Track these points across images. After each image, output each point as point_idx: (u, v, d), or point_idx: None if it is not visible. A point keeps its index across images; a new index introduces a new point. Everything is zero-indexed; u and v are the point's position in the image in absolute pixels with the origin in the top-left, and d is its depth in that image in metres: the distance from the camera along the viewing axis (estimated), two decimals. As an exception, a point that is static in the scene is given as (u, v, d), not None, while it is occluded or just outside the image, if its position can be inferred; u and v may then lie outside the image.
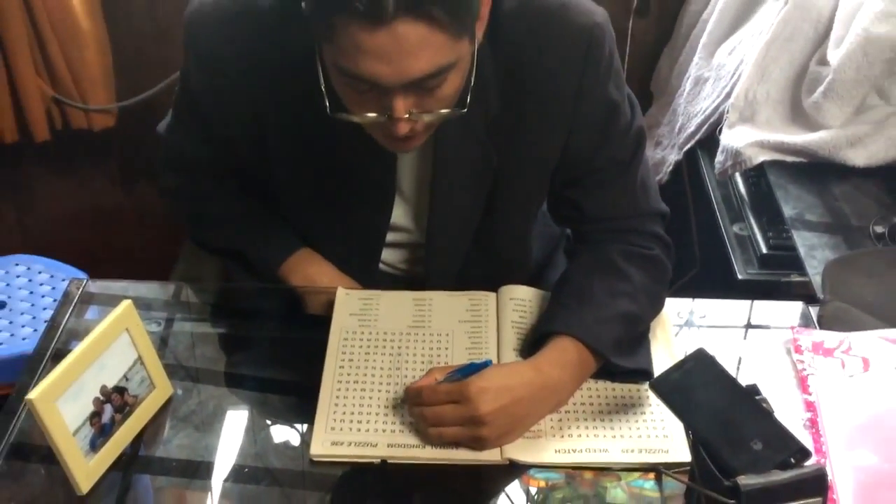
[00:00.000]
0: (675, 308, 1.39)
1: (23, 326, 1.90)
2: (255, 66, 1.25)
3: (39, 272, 2.04)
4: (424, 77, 1.07)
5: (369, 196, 1.36)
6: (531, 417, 1.18)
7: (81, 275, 1.94)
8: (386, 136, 1.17)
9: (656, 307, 1.33)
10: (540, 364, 1.20)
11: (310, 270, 1.42)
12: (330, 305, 1.35)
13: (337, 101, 1.15)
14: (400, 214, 1.39)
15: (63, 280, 1.98)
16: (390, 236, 1.42)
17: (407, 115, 1.10)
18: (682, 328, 1.38)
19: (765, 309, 1.43)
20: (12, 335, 1.88)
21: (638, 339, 1.28)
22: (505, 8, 1.21)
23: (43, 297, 1.98)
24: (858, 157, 1.71)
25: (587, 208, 1.36)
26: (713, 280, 1.83)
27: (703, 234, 1.95)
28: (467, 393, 1.13)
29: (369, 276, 1.44)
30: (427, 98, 1.11)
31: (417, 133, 1.16)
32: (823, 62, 1.77)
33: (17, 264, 2.06)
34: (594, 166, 1.32)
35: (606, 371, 1.25)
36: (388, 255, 1.46)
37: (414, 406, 1.17)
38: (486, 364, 1.18)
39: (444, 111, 1.14)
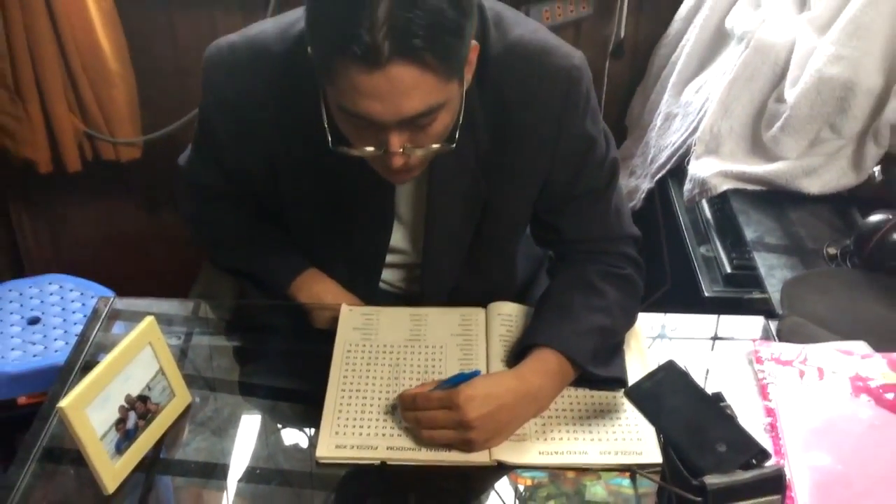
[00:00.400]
0: (648, 322, 1.39)
1: (55, 340, 1.89)
2: (267, 105, 1.25)
3: (71, 290, 2.03)
4: (417, 115, 1.07)
5: (371, 222, 1.36)
6: (515, 422, 1.18)
7: (109, 293, 1.93)
8: (384, 168, 1.17)
9: (629, 321, 1.33)
10: (523, 373, 1.20)
11: (316, 288, 1.41)
12: (334, 321, 1.35)
13: (339, 137, 1.16)
14: (398, 238, 1.39)
15: (92, 298, 1.98)
16: (389, 258, 1.42)
17: (401, 150, 1.11)
18: (655, 340, 1.38)
19: (729, 323, 1.43)
20: (45, 348, 1.87)
21: (613, 350, 1.27)
22: (492, 53, 1.22)
23: (74, 313, 1.97)
24: (813, 186, 1.71)
25: (566, 232, 1.36)
26: (682, 297, 1.82)
27: (673, 254, 1.95)
28: (457, 400, 1.13)
29: (371, 294, 1.44)
30: (420, 134, 1.12)
31: (412, 166, 1.16)
32: (781, 100, 1.77)
33: (50, 283, 2.05)
34: (573, 194, 1.32)
35: (584, 379, 1.24)
36: (388, 275, 1.46)
37: (408, 411, 1.17)
38: (475, 374, 1.18)
39: (435, 146, 1.14)
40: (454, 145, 1.16)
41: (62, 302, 2.00)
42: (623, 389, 1.12)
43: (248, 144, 1.30)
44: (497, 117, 1.25)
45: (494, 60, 1.22)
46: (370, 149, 1.12)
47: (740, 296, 1.67)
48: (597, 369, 1.23)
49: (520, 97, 1.24)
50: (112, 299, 1.43)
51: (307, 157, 1.26)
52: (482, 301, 1.39)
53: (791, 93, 1.73)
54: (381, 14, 1.00)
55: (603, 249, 1.35)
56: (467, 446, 1.15)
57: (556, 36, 1.28)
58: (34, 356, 1.85)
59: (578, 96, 1.25)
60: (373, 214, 1.35)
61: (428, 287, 1.42)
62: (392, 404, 1.21)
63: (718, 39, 2.01)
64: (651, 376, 1.11)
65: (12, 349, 1.86)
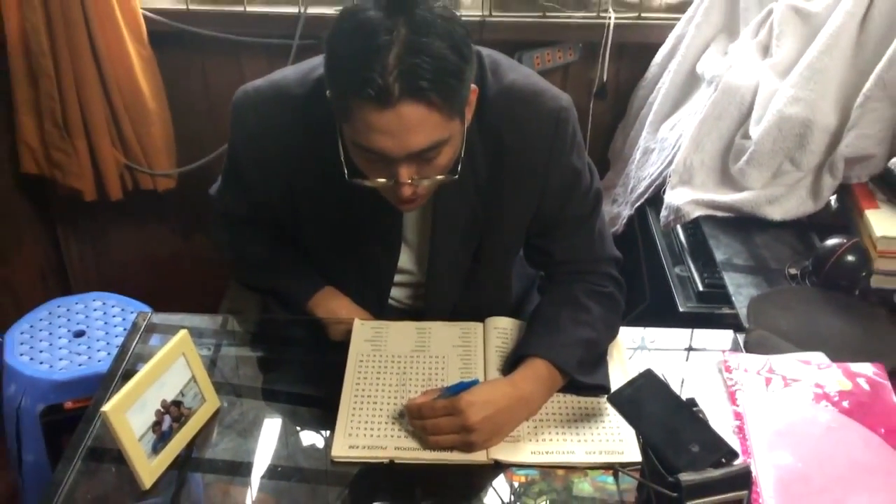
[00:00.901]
0: (629, 335, 1.40)
1: (98, 351, 1.89)
2: (289, 142, 1.26)
3: (112, 306, 2.03)
4: (423, 149, 1.09)
5: (380, 246, 1.37)
6: (511, 424, 1.18)
7: (147, 309, 1.93)
8: (394, 197, 1.18)
9: (612, 334, 1.33)
10: (516, 380, 1.21)
11: (332, 304, 1.42)
12: (348, 333, 1.35)
13: (354, 169, 1.16)
14: (405, 260, 1.39)
15: (132, 313, 1.97)
16: (397, 277, 1.42)
17: (409, 181, 1.12)
18: (636, 351, 1.38)
19: (702, 336, 1.43)
20: (89, 358, 1.87)
21: (597, 360, 1.28)
22: (489, 94, 1.23)
23: (115, 326, 1.97)
24: (776, 213, 1.70)
25: (555, 254, 1.37)
26: (660, 312, 1.81)
27: (651, 274, 1.95)
28: (459, 406, 1.13)
29: (380, 310, 1.44)
30: (426, 167, 1.12)
31: (419, 195, 1.17)
32: (746, 136, 1.76)
33: (94, 300, 2.04)
34: (561, 220, 1.33)
35: (571, 386, 1.25)
36: (396, 293, 1.46)
37: (415, 420, 1.17)
38: (474, 382, 1.18)
39: (440, 177, 1.15)
40: (456, 176, 1.17)
41: (105, 317, 2.00)
42: (606, 396, 1.12)
43: (272, 176, 1.31)
44: (494, 152, 1.26)
45: (491, 101, 1.23)
46: (382, 180, 1.13)
47: (712, 311, 1.66)
48: (582, 377, 1.23)
49: (514, 134, 1.25)
50: (150, 314, 1.43)
51: (324, 188, 1.26)
52: (481, 316, 1.39)
53: (755, 130, 1.73)
54: (392, 60, 1.01)
55: (588, 270, 1.36)
56: (469, 447, 1.15)
57: (546, 81, 1.30)
58: (79, 365, 1.85)
59: (566, 134, 1.26)
60: (382, 240, 1.36)
61: (432, 303, 1.42)
62: (400, 409, 1.21)
63: (690, 82, 2.00)
64: (631, 383, 1.10)
65: (60, 359, 1.86)
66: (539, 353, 1.23)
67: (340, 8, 2.12)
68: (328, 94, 1.11)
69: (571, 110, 1.28)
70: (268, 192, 1.34)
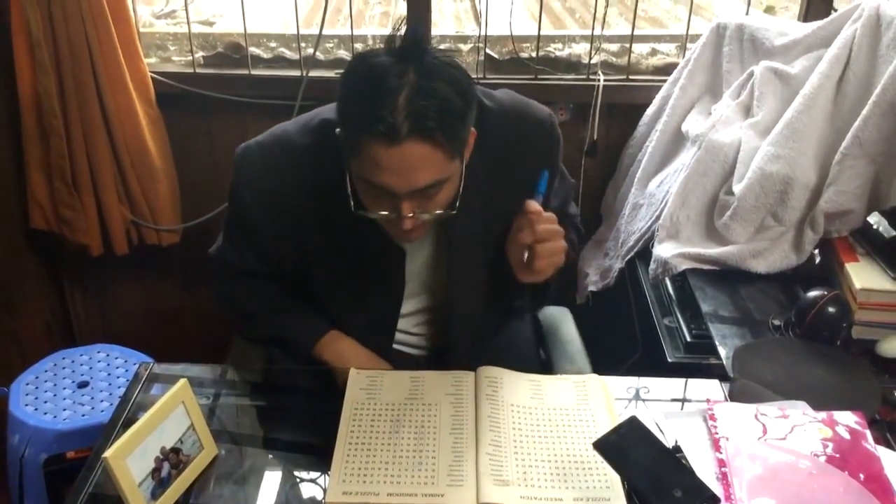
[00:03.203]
0: (624, 384, 1.41)
1: (101, 401, 1.91)
2: (295, 189, 1.31)
3: (116, 358, 2.05)
4: (425, 186, 1.15)
5: (384, 282, 1.41)
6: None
7: (149, 360, 1.94)
8: (396, 230, 1.24)
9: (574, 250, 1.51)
10: None
11: (338, 346, 1.44)
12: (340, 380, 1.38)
13: (359, 203, 1.22)
14: (419, 290, 1.44)
15: (135, 364, 1.99)
16: (415, 318, 1.46)
17: (411, 215, 1.17)
18: (630, 401, 1.39)
19: (688, 385, 1.44)
20: (92, 408, 1.89)
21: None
22: (484, 111, 1.31)
23: (118, 377, 1.99)
24: (759, 266, 1.73)
25: None
26: (650, 362, 1.83)
27: (641, 325, 1.97)
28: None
29: (386, 350, 1.46)
30: (427, 202, 1.19)
31: (419, 228, 1.22)
32: (729, 193, 1.80)
33: (98, 352, 2.07)
34: (549, 208, 1.39)
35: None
36: (403, 324, 1.49)
37: (534, 232, 1.27)
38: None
39: (439, 212, 1.21)
40: (454, 212, 1.23)
41: (108, 368, 2.02)
42: (592, 443, 1.14)
43: (279, 224, 1.35)
44: (496, 165, 1.34)
45: (491, 115, 1.32)
46: (384, 213, 1.20)
47: (699, 361, 1.67)
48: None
49: (514, 144, 1.35)
50: (151, 365, 1.45)
51: (330, 231, 1.31)
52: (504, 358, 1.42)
53: (738, 187, 1.76)
54: (402, 101, 1.09)
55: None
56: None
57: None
58: (82, 416, 1.86)
59: (557, 138, 1.40)
60: (386, 278, 1.40)
61: (453, 332, 1.46)
62: (392, 456, 1.22)
63: (676, 141, 2.05)
64: (616, 430, 1.12)
65: (64, 409, 1.88)
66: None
67: (335, 72, 2.21)
68: (338, 132, 1.17)
69: (555, 117, 1.43)
70: (276, 240, 1.37)
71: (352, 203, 1.23)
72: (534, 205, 1.29)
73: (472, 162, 1.27)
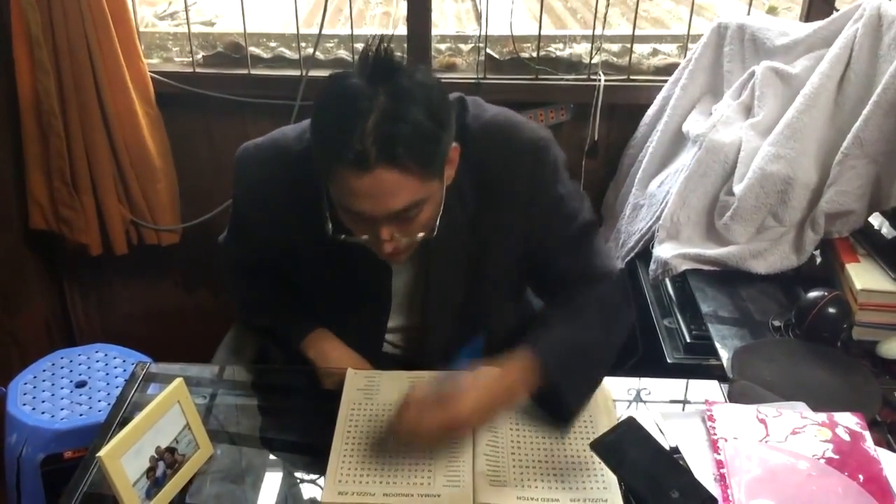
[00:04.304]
0: (617, 385, 1.40)
1: (99, 401, 1.91)
2: (287, 195, 1.30)
3: (114, 357, 2.05)
4: (401, 210, 1.13)
5: (372, 299, 1.40)
6: (496, 411, 1.22)
7: (147, 359, 1.93)
8: (379, 252, 1.22)
9: (611, 338, 1.33)
10: (506, 367, 1.22)
11: (323, 345, 1.43)
12: (340, 382, 1.37)
13: (339, 226, 1.20)
14: (399, 305, 1.41)
15: (132, 363, 1.96)
16: (392, 323, 1.44)
17: (390, 238, 1.16)
18: (631, 402, 1.39)
19: (688, 386, 1.43)
20: (90, 408, 1.89)
21: (588, 366, 1.28)
22: (472, 130, 1.28)
23: (116, 377, 1.98)
24: (760, 267, 1.73)
25: (551, 278, 1.39)
26: (650, 363, 1.82)
27: (642, 326, 1.96)
28: (451, 395, 1.16)
29: (375, 357, 1.45)
30: (406, 225, 1.17)
31: (402, 250, 1.21)
32: (730, 193, 1.79)
33: (97, 351, 2.06)
34: (551, 248, 1.35)
35: (547, 396, 1.26)
36: (392, 338, 1.48)
37: (399, 419, 1.17)
38: (475, 350, 1.22)
39: (420, 235, 1.20)
40: (435, 234, 1.21)
41: (106, 367, 2.01)
42: (589, 443, 1.13)
43: (273, 227, 1.35)
44: (480, 186, 1.29)
45: (474, 137, 1.27)
46: (364, 237, 1.18)
47: (699, 362, 1.67)
48: (561, 378, 1.23)
49: (498, 165, 1.29)
50: (148, 364, 1.45)
51: (320, 240, 1.30)
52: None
53: (738, 187, 1.76)
54: (370, 126, 1.06)
55: (587, 280, 1.36)
56: (457, 434, 1.19)
57: (524, 116, 1.35)
58: (80, 415, 1.86)
59: (546, 162, 1.30)
60: (374, 293, 1.39)
61: (428, 347, 1.43)
62: (388, 457, 1.21)
63: (677, 141, 2.04)
64: (614, 431, 1.11)
65: (62, 409, 1.88)
66: (527, 347, 1.24)
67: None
68: (313, 158, 1.15)
69: (550, 140, 1.31)
70: (269, 243, 1.38)
71: (329, 227, 1.20)
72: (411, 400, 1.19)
73: (457, 177, 1.24)
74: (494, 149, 1.28)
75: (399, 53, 2.22)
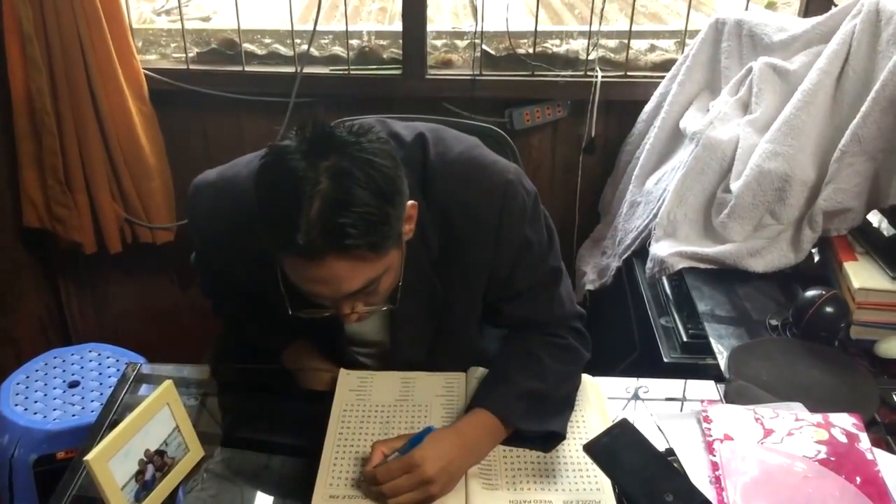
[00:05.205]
0: (611, 385, 1.40)
1: (91, 401, 1.90)
2: (237, 235, 1.22)
3: (108, 357, 2.04)
4: (357, 291, 1.10)
5: (327, 336, 1.39)
6: (462, 470, 1.18)
7: (141, 359, 1.94)
8: (342, 320, 1.19)
9: (567, 384, 1.31)
10: (462, 428, 1.21)
11: (297, 344, 1.44)
12: (319, 381, 1.37)
13: (296, 300, 1.17)
14: (370, 331, 1.39)
15: (126, 364, 1.97)
16: (362, 348, 1.43)
17: (351, 311, 1.14)
18: (617, 401, 1.38)
19: (683, 386, 1.42)
20: (83, 408, 1.88)
21: (551, 409, 1.26)
22: (435, 171, 1.23)
23: (109, 377, 1.98)
24: (757, 265, 1.71)
25: (512, 318, 1.36)
26: (646, 362, 1.81)
27: (639, 325, 1.95)
28: (415, 462, 1.13)
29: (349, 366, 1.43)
30: (367, 297, 1.14)
31: (363, 316, 1.19)
32: (727, 191, 1.78)
33: (90, 351, 2.06)
34: (516, 288, 1.31)
35: (519, 437, 1.24)
36: (361, 358, 1.46)
37: (372, 486, 1.15)
38: (428, 431, 1.18)
39: (383, 308, 1.19)
40: (395, 305, 1.20)
41: (100, 367, 2.00)
42: (582, 445, 1.12)
43: (223, 265, 1.35)
44: (444, 228, 1.25)
45: (437, 179, 1.23)
46: (326, 313, 1.17)
47: (696, 361, 1.64)
48: (528, 426, 1.23)
49: (460, 210, 1.24)
50: (139, 365, 1.44)
51: (272, 282, 1.19)
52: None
53: (736, 185, 1.75)
54: (314, 215, 1.01)
55: (545, 325, 1.35)
56: (429, 500, 1.14)
57: (493, 153, 1.29)
58: (72, 416, 1.85)
59: (513, 208, 1.24)
60: (329, 336, 1.38)
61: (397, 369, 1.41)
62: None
63: (674, 138, 2.03)
64: (607, 433, 1.10)
65: (54, 409, 1.87)
66: (483, 404, 1.23)
67: (330, 69, 2.18)
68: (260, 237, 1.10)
69: (518, 183, 1.25)
70: (222, 276, 1.40)
71: (288, 307, 1.17)
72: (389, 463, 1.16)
73: (420, 222, 1.19)
74: (460, 192, 1.23)
75: (394, 49, 2.20)
